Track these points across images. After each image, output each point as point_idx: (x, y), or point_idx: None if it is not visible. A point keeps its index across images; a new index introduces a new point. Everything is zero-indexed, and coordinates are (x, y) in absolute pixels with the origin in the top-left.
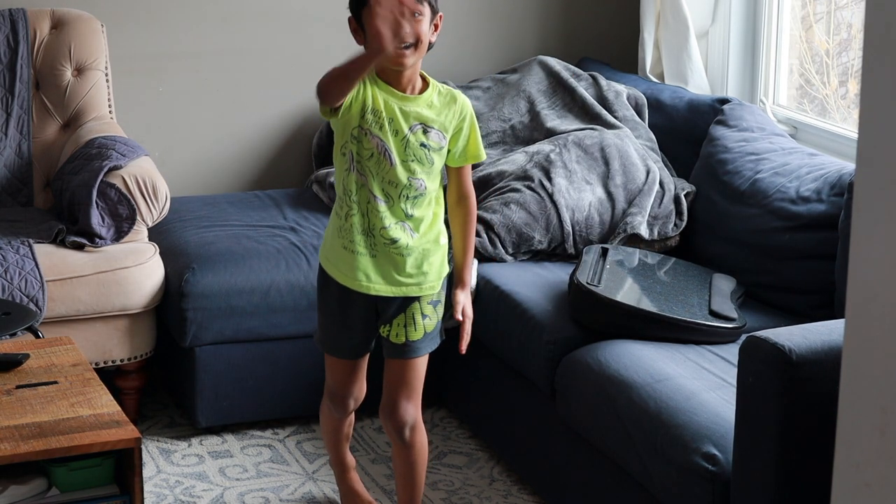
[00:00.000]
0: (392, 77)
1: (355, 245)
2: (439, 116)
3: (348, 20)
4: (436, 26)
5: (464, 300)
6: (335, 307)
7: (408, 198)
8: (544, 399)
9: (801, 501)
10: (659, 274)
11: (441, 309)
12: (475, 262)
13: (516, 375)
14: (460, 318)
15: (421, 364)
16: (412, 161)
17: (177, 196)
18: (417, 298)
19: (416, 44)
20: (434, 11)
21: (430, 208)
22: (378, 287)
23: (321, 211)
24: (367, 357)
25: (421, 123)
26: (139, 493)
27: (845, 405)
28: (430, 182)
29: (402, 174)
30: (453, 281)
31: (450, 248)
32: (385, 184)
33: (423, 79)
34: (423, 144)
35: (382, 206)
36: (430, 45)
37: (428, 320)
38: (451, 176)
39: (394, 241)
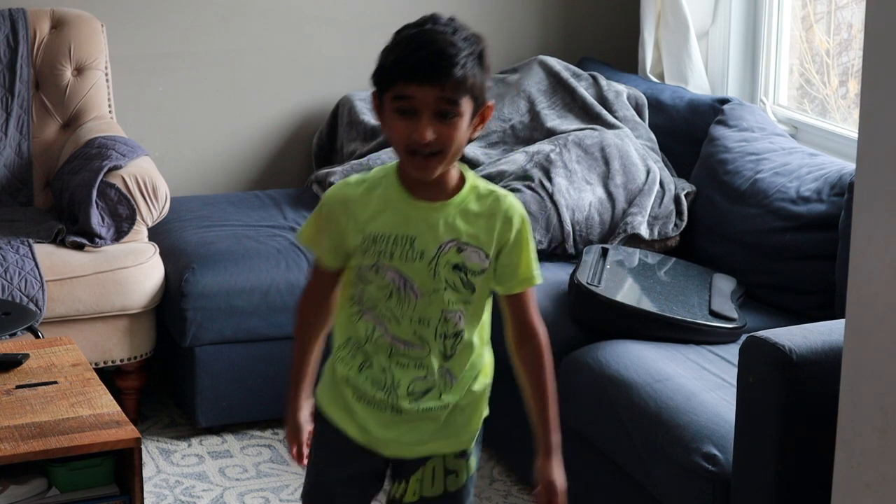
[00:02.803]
0: (416, 183)
1: (373, 399)
2: (476, 228)
3: (371, 95)
4: (482, 118)
5: (555, 475)
6: (334, 457)
7: (445, 336)
8: None
9: (801, 501)
10: (659, 274)
11: (474, 462)
12: None
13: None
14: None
15: None
16: (445, 289)
17: (177, 196)
18: (443, 455)
19: (443, 151)
20: (478, 103)
21: (473, 348)
22: (397, 448)
23: None
24: None
25: (454, 240)
26: (139, 493)
27: (845, 405)
28: (472, 313)
29: (433, 308)
30: (536, 446)
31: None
32: (415, 324)
33: (460, 174)
34: (457, 266)
35: (415, 353)
36: (471, 140)
37: (453, 478)
38: (504, 308)
39: (424, 395)
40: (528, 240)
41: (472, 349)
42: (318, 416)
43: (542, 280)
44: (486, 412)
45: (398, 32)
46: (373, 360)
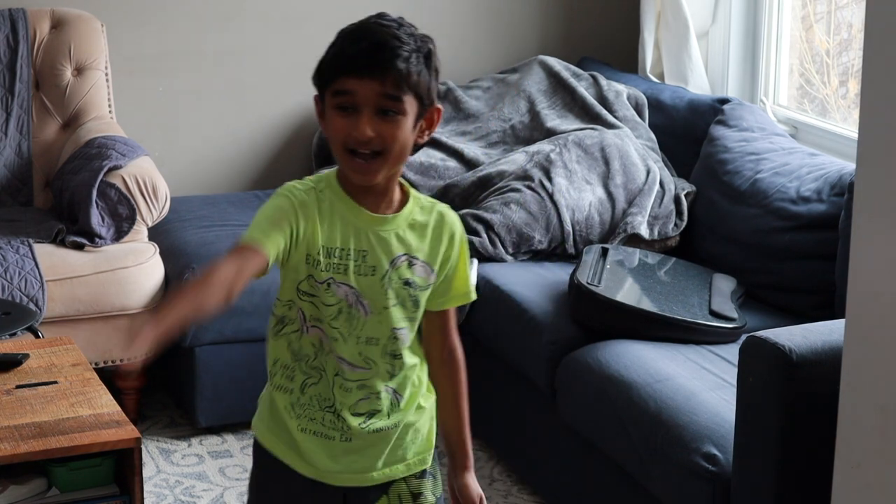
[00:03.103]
0: (360, 191)
1: (317, 424)
2: (424, 242)
3: (314, 99)
4: (429, 122)
5: (473, 485)
6: (282, 498)
7: (394, 355)
8: (544, 399)
9: (801, 501)
10: (659, 274)
11: (439, 484)
12: (475, 261)
13: (516, 375)
14: None
15: None
16: (394, 306)
17: (177, 196)
18: (404, 478)
19: (384, 152)
20: (424, 105)
21: (415, 366)
22: (349, 477)
23: None
24: None
25: (405, 254)
26: (139, 493)
27: (845, 405)
28: (412, 332)
29: (383, 326)
30: (452, 463)
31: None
32: (362, 344)
33: (401, 188)
34: (406, 282)
35: (358, 375)
36: (418, 147)
37: (421, 501)
38: (430, 325)
39: (372, 417)
40: (466, 255)
41: (414, 366)
42: (257, 453)
43: (476, 297)
44: (435, 429)
45: (341, 30)
46: (321, 376)
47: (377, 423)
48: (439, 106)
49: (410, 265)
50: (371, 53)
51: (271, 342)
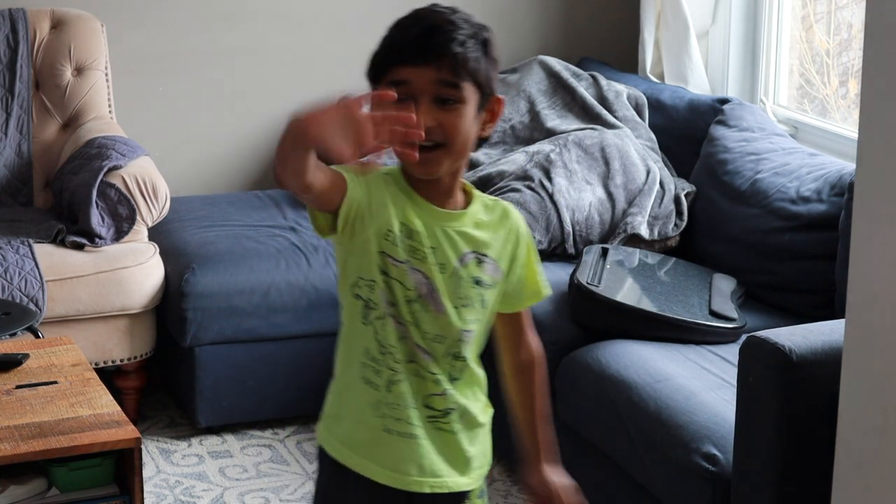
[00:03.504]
0: (424, 186)
1: (408, 425)
2: (491, 240)
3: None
4: (491, 113)
5: (550, 478)
6: None
7: (455, 356)
8: None
9: (801, 502)
10: (659, 274)
11: (486, 502)
12: None
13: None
14: None
15: None
16: (465, 306)
17: (177, 196)
18: (467, 494)
19: (446, 143)
20: (485, 94)
21: (474, 371)
22: (435, 482)
23: None
24: None
25: (474, 251)
26: (139, 493)
27: (845, 405)
28: (479, 332)
29: (452, 327)
30: (528, 461)
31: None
32: (429, 340)
33: (462, 187)
34: (476, 281)
35: (433, 366)
36: (483, 140)
37: None
38: (506, 328)
39: (447, 413)
40: (534, 251)
41: (474, 371)
42: (326, 466)
43: (550, 292)
44: (492, 446)
45: (393, 22)
46: (403, 373)
47: (447, 424)
48: (501, 96)
49: (479, 263)
50: (424, 38)
51: (357, 329)
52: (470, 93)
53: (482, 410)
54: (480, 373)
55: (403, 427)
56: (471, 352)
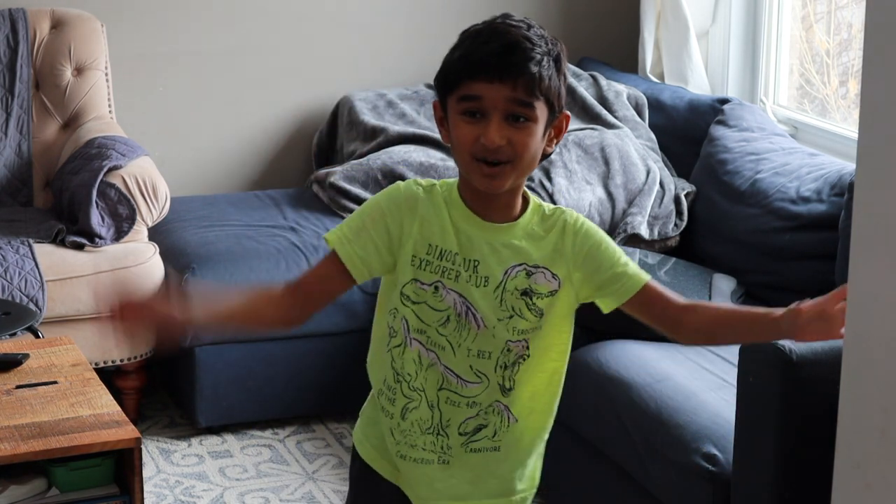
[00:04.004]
0: (479, 199)
1: (418, 450)
2: (543, 249)
3: (433, 105)
4: (557, 129)
5: (805, 308)
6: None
7: (505, 367)
8: None
9: (801, 501)
10: (659, 274)
11: None
12: None
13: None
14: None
15: None
16: (511, 318)
17: (177, 196)
18: None
19: (513, 160)
20: (554, 111)
21: (536, 380)
22: None
23: (321, 211)
24: None
25: (521, 263)
26: (139, 494)
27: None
28: (541, 339)
29: (497, 340)
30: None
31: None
32: (473, 357)
33: (523, 196)
34: (525, 292)
35: (470, 391)
36: (546, 156)
37: None
38: (642, 317)
39: (477, 433)
40: (604, 244)
41: (535, 381)
42: (358, 464)
43: (650, 277)
44: (541, 466)
45: (464, 31)
46: (422, 397)
47: (480, 441)
48: (567, 113)
49: (529, 275)
50: (502, 56)
51: (379, 357)
52: (541, 111)
53: (539, 425)
54: (546, 379)
55: (418, 454)
56: (532, 357)
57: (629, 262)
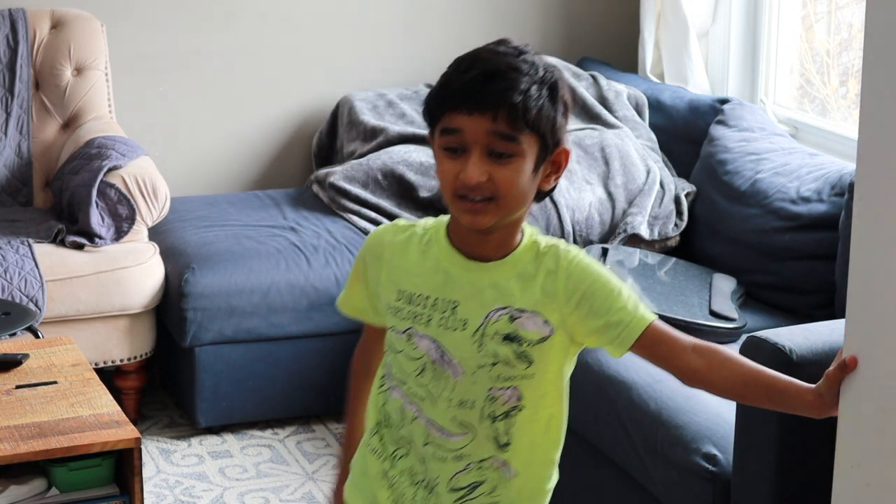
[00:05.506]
0: (470, 236)
1: (407, 501)
2: (532, 291)
3: (428, 135)
4: (555, 165)
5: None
6: None
7: (494, 418)
8: None
9: (801, 501)
10: (659, 274)
11: None
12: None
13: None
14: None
15: None
16: (494, 365)
17: (177, 196)
18: None
19: (495, 198)
20: (547, 144)
21: (536, 431)
22: None
23: (321, 211)
24: None
25: (506, 307)
26: (139, 494)
27: (845, 405)
28: (534, 387)
29: (477, 387)
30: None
31: None
32: (454, 408)
33: (523, 231)
34: (509, 337)
35: (455, 444)
36: (544, 194)
37: None
38: (651, 360)
39: (473, 491)
40: (601, 281)
41: (532, 431)
42: None
43: (654, 317)
44: None
45: (456, 59)
46: (410, 448)
47: (477, 499)
48: (567, 148)
49: (513, 319)
50: (480, 85)
51: (374, 396)
52: (529, 145)
53: (540, 476)
54: (549, 429)
55: (410, 500)
56: (528, 408)
57: (628, 301)
